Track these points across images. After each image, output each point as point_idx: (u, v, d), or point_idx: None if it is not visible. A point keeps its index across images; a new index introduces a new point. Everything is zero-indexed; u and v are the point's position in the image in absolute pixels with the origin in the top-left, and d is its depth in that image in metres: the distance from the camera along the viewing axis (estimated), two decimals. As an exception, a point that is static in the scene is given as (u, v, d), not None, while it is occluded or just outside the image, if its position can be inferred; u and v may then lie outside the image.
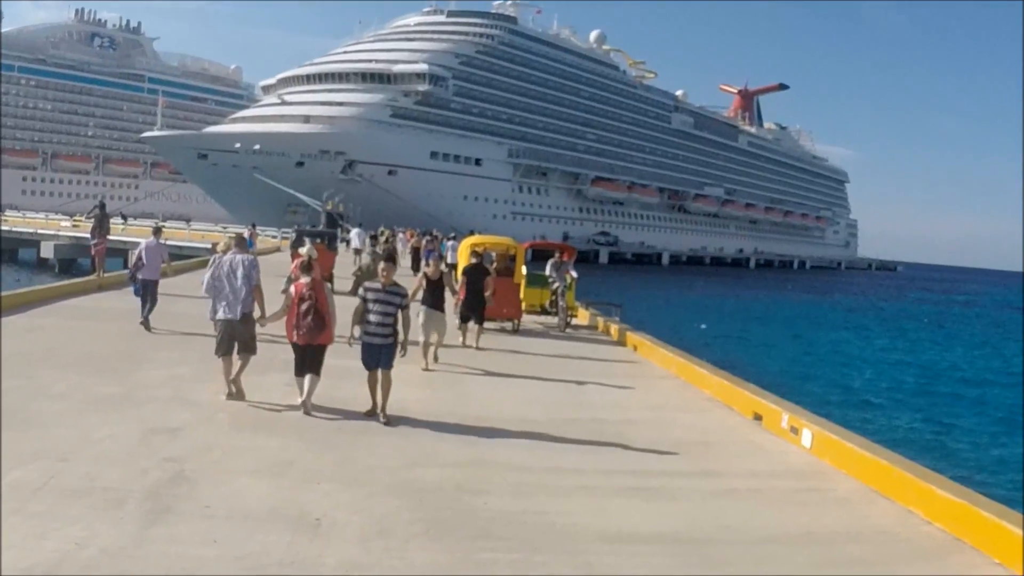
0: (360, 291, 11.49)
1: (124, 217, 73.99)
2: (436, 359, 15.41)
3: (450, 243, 39.83)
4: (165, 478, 8.02)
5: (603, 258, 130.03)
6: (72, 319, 17.99)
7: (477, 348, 17.78)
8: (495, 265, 21.49)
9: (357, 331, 11.50)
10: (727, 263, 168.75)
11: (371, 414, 11.10)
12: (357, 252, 40.30)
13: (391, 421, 10.90)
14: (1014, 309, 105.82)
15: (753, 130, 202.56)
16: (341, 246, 43.55)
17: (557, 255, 23.64)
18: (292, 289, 11.45)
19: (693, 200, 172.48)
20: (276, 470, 8.61)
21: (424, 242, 42.79)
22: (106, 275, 25.84)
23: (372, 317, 11.17)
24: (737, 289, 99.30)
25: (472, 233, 41.26)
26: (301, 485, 8.18)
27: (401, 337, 11.35)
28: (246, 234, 34.67)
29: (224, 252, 12.41)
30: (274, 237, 63.98)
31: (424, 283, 15.35)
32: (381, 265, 11.47)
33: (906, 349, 51.69)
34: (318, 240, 29.19)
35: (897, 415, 28.81)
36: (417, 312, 14.18)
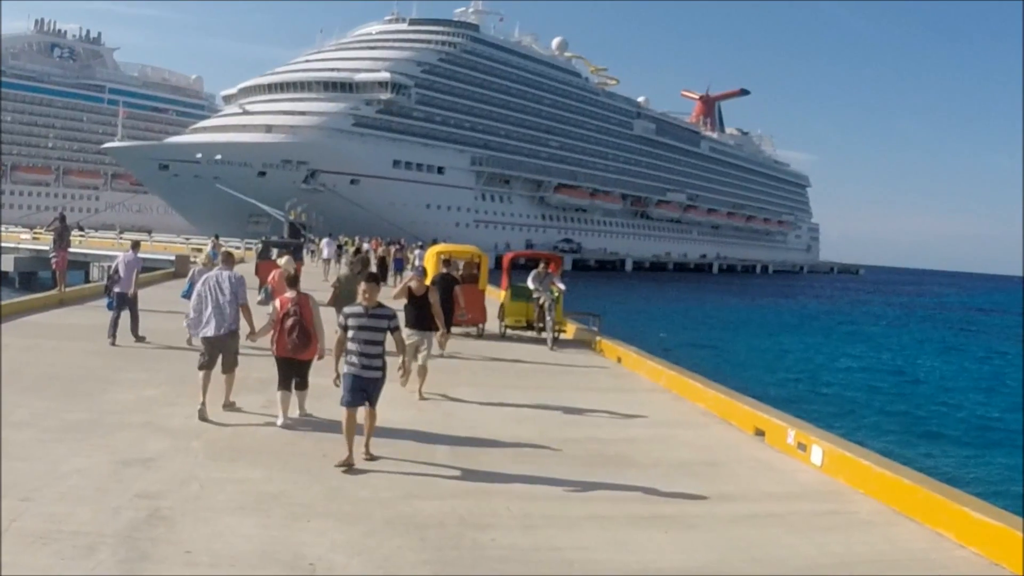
0: (339, 319, 9.77)
1: (81, 228, 72.52)
2: (422, 396, 13.48)
3: (417, 251, 39.25)
4: (140, 518, 7.25)
5: (567, 265, 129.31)
6: (33, 337, 17.05)
7: (443, 355, 16.76)
8: (460, 273, 20.92)
9: (343, 366, 9.70)
10: (690, 268, 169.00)
11: (347, 465, 9.25)
12: (327, 262, 39.59)
13: (374, 458, 9.58)
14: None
15: (715, 136, 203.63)
16: (307, 256, 42.73)
17: (542, 265, 21.63)
18: (277, 304, 11.24)
19: (656, 206, 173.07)
20: (261, 506, 7.85)
21: (392, 251, 42.19)
22: (68, 289, 24.91)
23: (355, 346, 9.51)
24: (705, 295, 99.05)
25: (436, 242, 40.59)
26: (290, 523, 7.45)
27: (398, 362, 10.35)
28: (210, 246, 34.06)
29: (205, 266, 12.04)
30: (237, 248, 62.87)
31: (406, 299, 13.84)
32: (362, 286, 9.83)
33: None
34: (286, 251, 28.34)
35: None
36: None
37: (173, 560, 6.42)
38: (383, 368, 9.69)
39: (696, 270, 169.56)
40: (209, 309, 11.57)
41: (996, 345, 62.23)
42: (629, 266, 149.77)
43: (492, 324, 22.79)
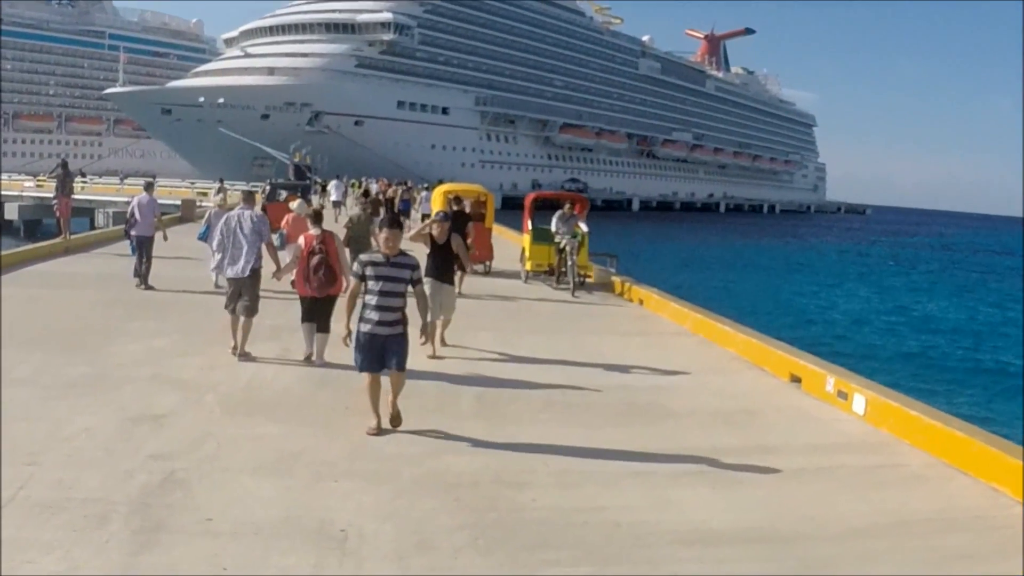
0: (355, 266, 8.62)
1: (83, 175, 71.77)
2: (444, 342, 12.71)
3: (424, 193, 38.64)
4: (154, 482, 6.75)
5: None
6: (37, 287, 16.52)
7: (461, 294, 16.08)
8: (459, 207, 20.30)
9: (354, 322, 8.56)
10: (697, 208, 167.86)
11: (379, 431, 8.44)
12: (336, 204, 38.99)
13: (399, 420, 8.60)
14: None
15: (720, 75, 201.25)
16: (314, 199, 42.12)
17: (567, 206, 20.56)
18: (302, 242, 11.18)
19: (662, 145, 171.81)
20: (282, 465, 7.36)
21: (400, 192, 41.55)
22: (73, 237, 24.36)
23: (373, 299, 8.32)
24: (713, 235, 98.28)
25: (442, 182, 40.03)
26: (314, 485, 6.96)
27: (422, 321, 8.91)
28: (217, 188, 33.51)
29: (221, 208, 11.81)
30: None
31: (428, 247, 12.67)
32: (383, 232, 8.50)
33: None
34: (296, 193, 27.85)
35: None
36: None
37: (192, 529, 5.92)
38: (404, 324, 8.53)
39: (703, 209, 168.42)
40: (231, 249, 11.49)
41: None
42: (636, 206, 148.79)
43: (499, 263, 23.01)
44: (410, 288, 8.58)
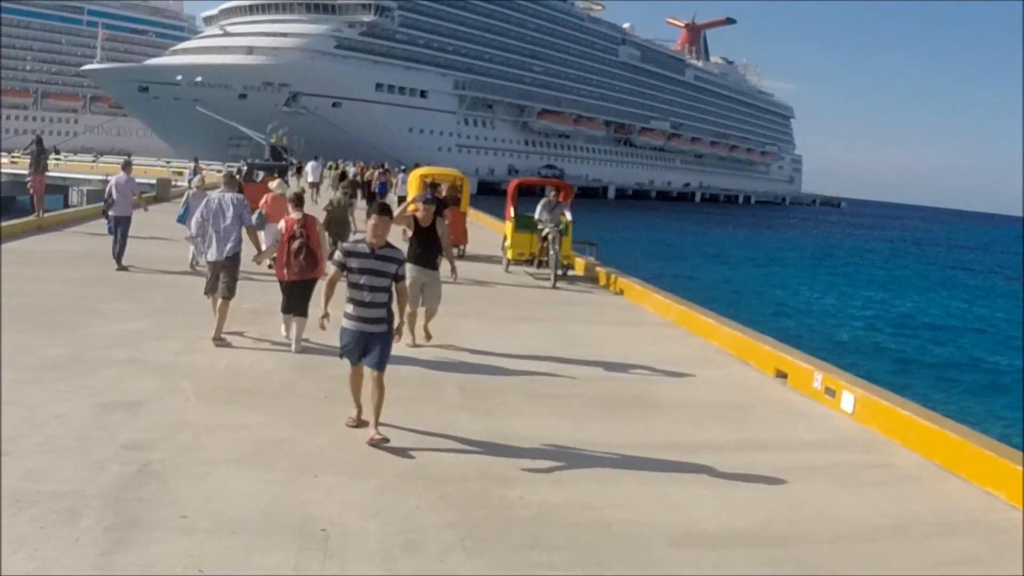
0: (337, 254, 7.94)
1: (57, 152, 70.92)
2: (428, 335, 11.97)
3: (400, 175, 38.43)
4: (128, 474, 6.45)
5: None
6: (10, 266, 16.01)
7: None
8: (436, 192, 20.02)
9: (332, 307, 7.96)
10: (673, 197, 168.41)
11: (359, 423, 8.01)
12: (313, 186, 38.61)
13: (387, 439, 7.62)
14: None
15: (700, 64, 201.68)
16: (291, 180, 41.66)
17: (551, 194, 20.11)
18: (282, 226, 11.04)
19: (639, 133, 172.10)
20: (261, 457, 7.07)
21: (376, 175, 41.23)
22: (46, 214, 23.89)
23: (357, 294, 7.70)
24: (690, 225, 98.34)
25: (418, 166, 39.82)
26: (295, 478, 6.69)
27: (396, 320, 8.11)
28: (192, 170, 33.05)
29: (200, 189, 11.60)
30: (219, 171, 61.60)
31: (410, 230, 11.83)
32: (373, 220, 7.74)
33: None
34: (273, 174, 27.51)
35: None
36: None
37: (167, 526, 5.63)
38: (390, 321, 7.87)
39: (679, 199, 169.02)
40: (213, 232, 11.28)
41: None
42: (612, 193, 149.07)
43: (473, 247, 23.40)
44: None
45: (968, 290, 57.38)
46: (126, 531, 5.50)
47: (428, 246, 11.82)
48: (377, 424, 7.69)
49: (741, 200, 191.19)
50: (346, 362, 8.00)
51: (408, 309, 9.20)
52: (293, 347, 10.91)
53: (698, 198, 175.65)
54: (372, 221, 7.75)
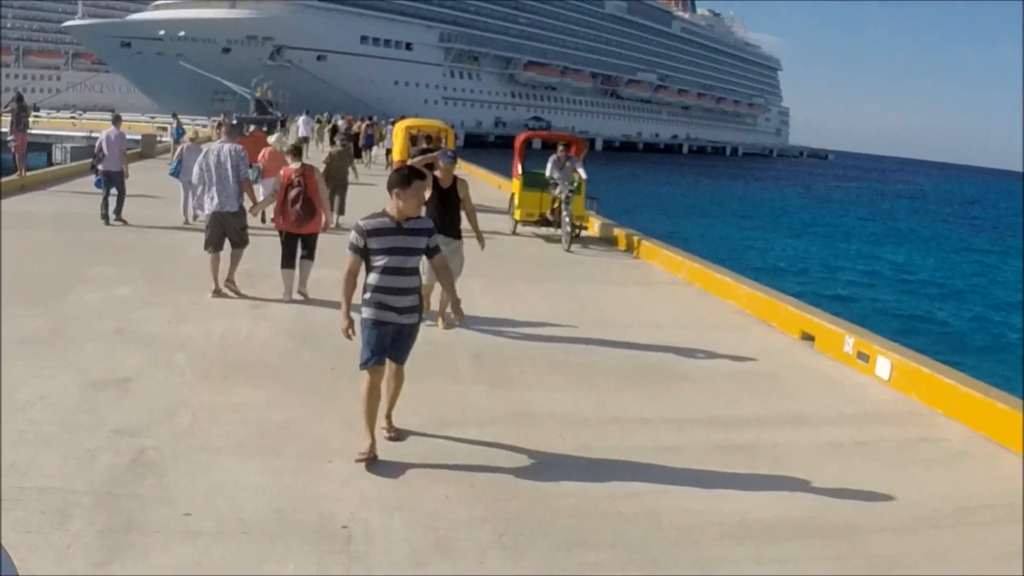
0: (353, 236, 6.22)
1: (37, 109, 69.67)
2: (448, 322, 9.79)
3: (388, 127, 37.74)
4: (121, 465, 5.79)
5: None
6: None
7: None
8: (431, 145, 19.07)
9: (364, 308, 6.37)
10: (660, 149, 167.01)
11: (371, 456, 6.19)
12: (304, 140, 37.75)
13: (400, 435, 6.77)
14: None
15: (687, 16, 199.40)
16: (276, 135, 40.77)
17: (561, 149, 18.13)
18: (281, 175, 10.97)
19: (626, 85, 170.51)
20: (267, 442, 6.43)
21: (364, 128, 40.40)
22: (29, 173, 23.03)
23: (381, 279, 6.22)
24: (679, 177, 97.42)
25: (404, 118, 38.92)
26: (307, 466, 6.06)
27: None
28: (175, 125, 32.18)
29: (194, 142, 11.23)
30: (205, 126, 60.48)
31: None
32: (410, 189, 6.23)
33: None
34: (263, 128, 26.73)
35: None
36: None
37: (169, 527, 4.99)
38: (420, 311, 6.56)
39: (666, 151, 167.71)
40: (216, 183, 11.00)
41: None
42: (599, 145, 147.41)
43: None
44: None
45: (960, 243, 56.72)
46: (122, 535, 4.86)
47: (449, 211, 10.08)
48: (390, 413, 6.79)
49: (728, 152, 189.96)
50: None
51: (425, 281, 7.61)
52: (293, 294, 10.97)
53: (685, 150, 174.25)
54: (410, 190, 6.21)
